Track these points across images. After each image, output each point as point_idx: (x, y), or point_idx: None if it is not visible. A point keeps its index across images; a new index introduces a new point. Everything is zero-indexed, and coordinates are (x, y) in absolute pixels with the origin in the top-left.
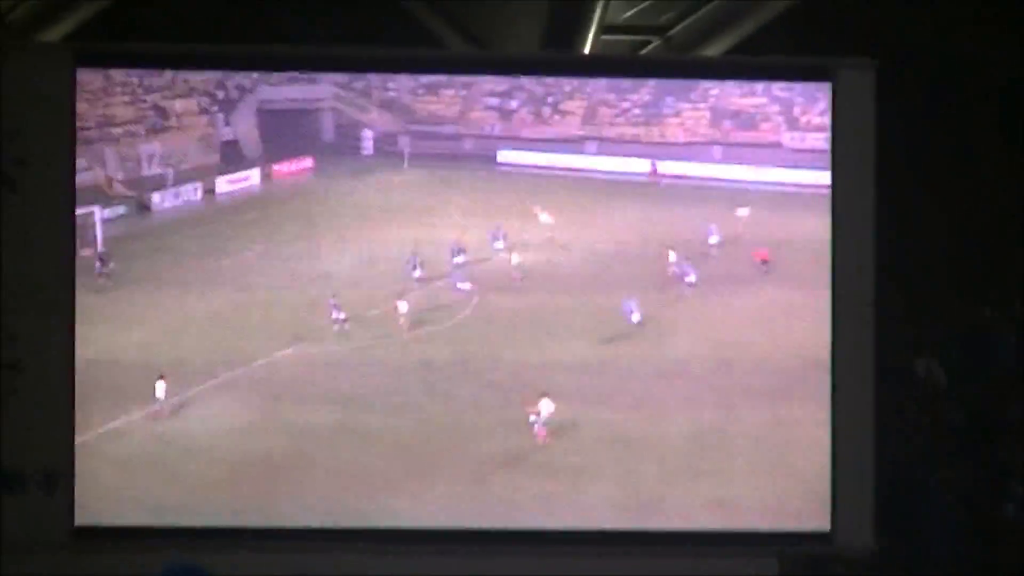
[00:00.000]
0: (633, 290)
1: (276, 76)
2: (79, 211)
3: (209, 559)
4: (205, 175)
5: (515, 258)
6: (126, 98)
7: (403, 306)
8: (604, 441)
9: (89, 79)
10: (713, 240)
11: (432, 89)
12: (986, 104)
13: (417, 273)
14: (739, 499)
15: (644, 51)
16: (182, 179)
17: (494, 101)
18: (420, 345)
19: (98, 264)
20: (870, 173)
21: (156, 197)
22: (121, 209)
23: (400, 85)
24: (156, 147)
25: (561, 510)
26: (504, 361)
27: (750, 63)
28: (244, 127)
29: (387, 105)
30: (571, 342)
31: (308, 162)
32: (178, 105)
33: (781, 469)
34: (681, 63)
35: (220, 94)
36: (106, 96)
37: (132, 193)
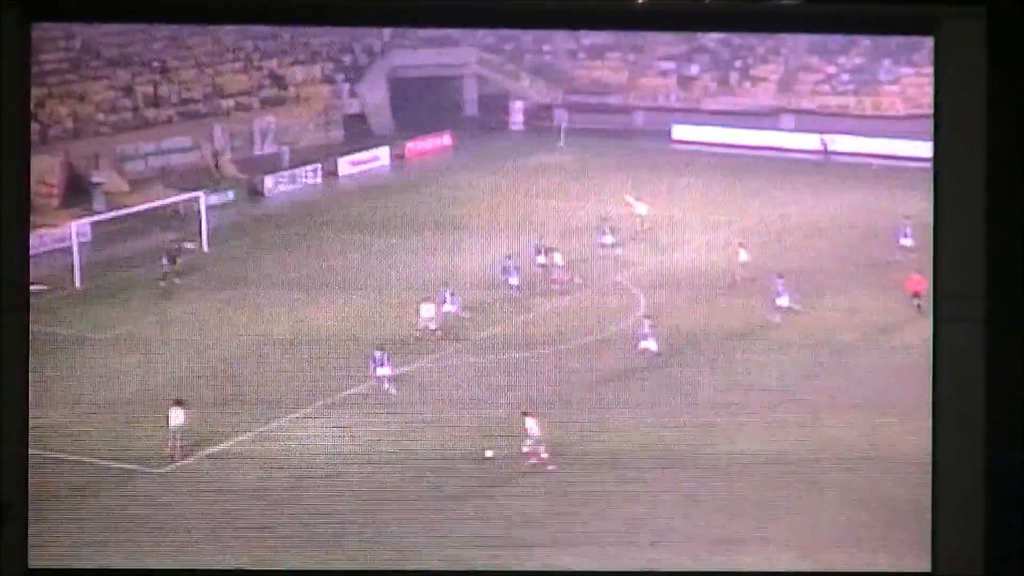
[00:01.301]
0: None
1: (410, 38)
2: (183, 197)
3: None
4: (326, 155)
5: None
6: (238, 64)
7: (426, 310)
8: (661, 467)
9: (198, 42)
10: (906, 243)
11: (596, 52)
12: None
13: (514, 280)
14: (823, 533)
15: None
16: (299, 160)
17: (670, 65)
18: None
19: (165, 261)
20: (981, 144)
21: (269, 181)
22: (229, 195)
23: (557, 47)
24: (271, 121)
25: (613, 546)
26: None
27: (836, 14)
28: (373, 98)
29: (541, 71)
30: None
31: (446, 139)
32: (298, 73)
33: (872, 496)
34: (759, 14)
35: (347, 59)
36: (216, 62)
37: (242, 176)
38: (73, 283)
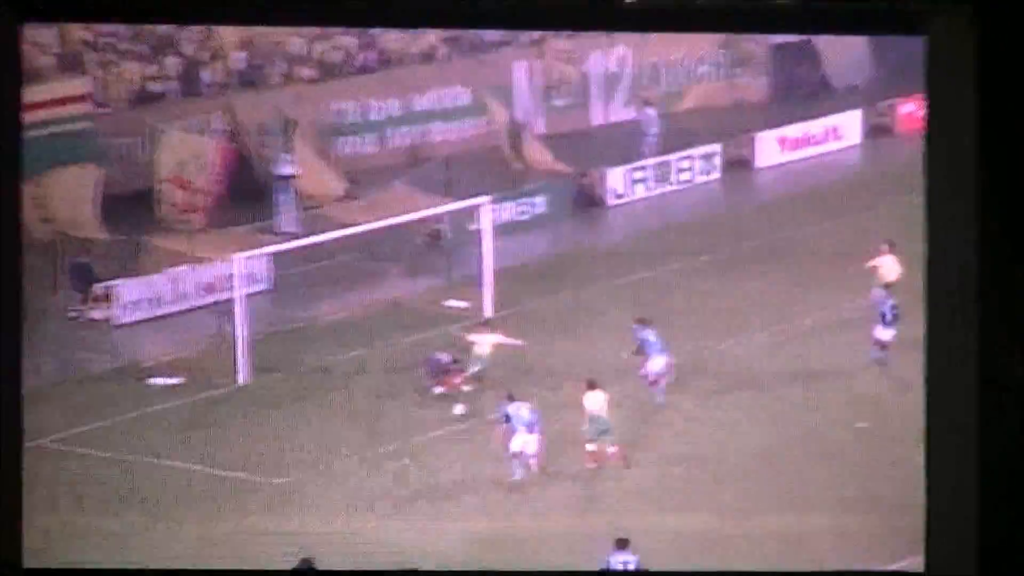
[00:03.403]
0: None
1: None
2: (450, 208)
3: None
4: (731, 129)
5: None
6: None
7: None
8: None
9: None
10: None
11: None
12: None
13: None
14: (815, 532)
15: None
16: (677, 139)
17: None
18: None
19: (427, 372)
20: (972, 143)
21: (615, 176)
22: (538, 201)
23: None
24: (626, 57)
25: (601, 543)
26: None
27: (823, 12)
28: None
29: None
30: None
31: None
32: None
33: (865, 496)
34: (743, 13)
35: None
36: None
37: (565, 167)
38: (234, 375)
